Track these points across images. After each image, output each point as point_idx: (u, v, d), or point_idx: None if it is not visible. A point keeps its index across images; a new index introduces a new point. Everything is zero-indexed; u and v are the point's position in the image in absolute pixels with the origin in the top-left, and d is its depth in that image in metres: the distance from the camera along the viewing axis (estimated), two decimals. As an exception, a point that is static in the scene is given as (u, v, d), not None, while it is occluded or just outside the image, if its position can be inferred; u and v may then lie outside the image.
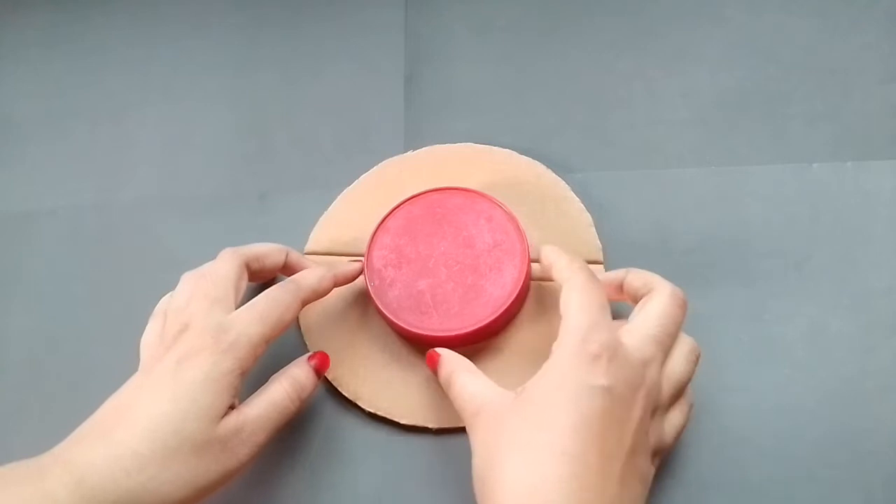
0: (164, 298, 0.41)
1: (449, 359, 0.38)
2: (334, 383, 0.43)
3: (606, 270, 0.43)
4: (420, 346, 0.42)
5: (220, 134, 0.54)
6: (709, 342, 0.42)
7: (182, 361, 0.34)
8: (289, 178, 0.51)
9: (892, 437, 0.39)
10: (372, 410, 0.42)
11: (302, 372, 0.39)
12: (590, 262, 0.43)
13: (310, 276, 0.40)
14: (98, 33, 0.59)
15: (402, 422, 0.41)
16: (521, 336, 0.42)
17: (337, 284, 0.42)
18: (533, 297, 0.43)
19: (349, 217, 0.48)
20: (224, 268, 0.39)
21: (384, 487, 0.41)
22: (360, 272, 0.43)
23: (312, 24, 0.56)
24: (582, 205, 0.45)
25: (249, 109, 0.54)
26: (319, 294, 0.40)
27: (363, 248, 0.44)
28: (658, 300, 0.35)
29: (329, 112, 0.53)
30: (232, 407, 0.35)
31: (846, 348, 0.41)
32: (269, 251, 0.42)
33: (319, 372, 0.40)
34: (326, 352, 0.41)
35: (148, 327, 0.39)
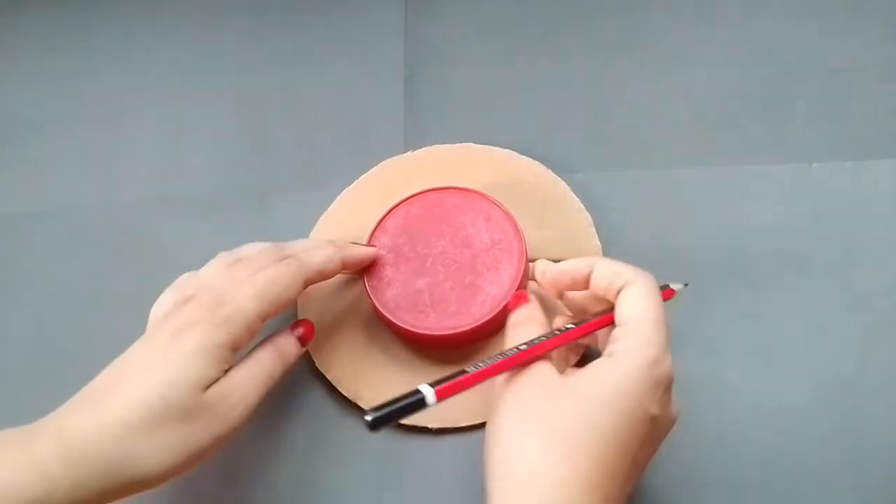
0: (184, 275, 0.41)
1: (532, 306, 0.38)
2: (334, 384, 0.43)
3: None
4: (418, 345, 0.42)
5: (220, 134, 0.54)
6: (709, 342, 0.42)
7: (178, 332, 0.35)
8: (289, 178, 0.51)
9: (891, 436, 0.38)
10: (371, 410, 0.42)
11: (286, 339, 0.39)
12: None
13: (316, 255, 0.39)
14: (98, 34, 0.59)
15: (402, 422, 0.41)
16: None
17: (345, 268, 0.41)
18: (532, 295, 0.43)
19: (349, 217, 0.48)
20: (280, 274, 0.38)
21: (384, 487, 0.41)
22: (371, 258, 0.42)
23: (312, 24, 0.56)
24: (581, 205, 0.45)
25: (249, 109, 0.54)
26: (325, 276, 0.40)
27: (362, 248, 0.44)
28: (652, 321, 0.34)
29: (329, 112, 0.53)
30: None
31: (846, 348, 0.41)
32: (325, 265, 0.40)
33: (304, 340, 0.40)
34: (325, 352, 0.41)
35: (160, 298, 0.39)
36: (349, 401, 0.42)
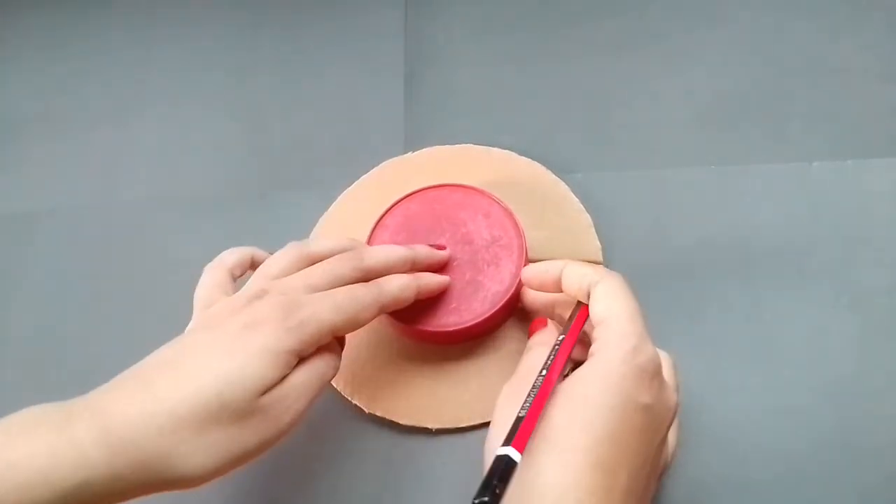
0: (223, 253, 0.39)
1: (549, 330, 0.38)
2: (334, 384, 0.43)
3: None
4: (419, 341, 0.42)
5: (219, 134, 0.54)
6: (709, 342, 0.42)
7: (247, 328, 0.33)
8: (289, 178, 0.51)
9: (891, 436, 0.38)
10: (372, 411, 0.42)
11: (333, 345, 0.37)
12: (589, 263, 0.43)
13: (394, 281, 0.38)
14: (98, 34, 0.60)
15: (402, 422, 0.41)
16: (519, 332, 0.42)
17: (419, 296, 0.39)
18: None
19: (349, 218, 0.48)
20: (361, 294, 0.36)
21: (384, 487, 0.41)
22: (445, 286, 0.41)
23: (312, 24, 0.56)
24: (581, 205, 0.45)
25: (249, 109, 0.54)
26: (400, 303, 0.38)
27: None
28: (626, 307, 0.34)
29: (329, 112, 0.53)
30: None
31: (846, 348, 0.41)
32: (401, 292, 0.38)
33: (343, 345, 0.39)
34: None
35: (205, 280, 0.38)
36: (349, 401, 0.42)
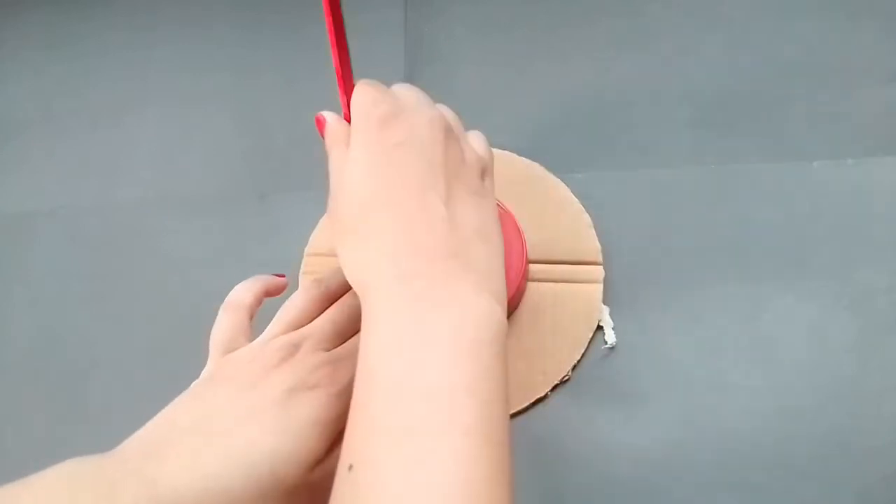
0: (238, 290, 0.38)
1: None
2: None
3: (606, 272, 0.43)
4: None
5: (220, 134, 0.54)
6: (709, 342, 0.42)
7: (293, 393, 0.31)
8: (289, 178, 0.51)
9: (891, 436, 0.38)
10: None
11: None
12: (589, 263, 0.43)
13: None
14: (98, 34, 0.59)
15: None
16: (518, 334, 0.42)
17: None
18: (530, 295, 0.43)
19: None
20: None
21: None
22: None
23: (312, 24, 0.56)
24: (581, 206, 0.45)
25: (249, 109, 0.54)
26: None
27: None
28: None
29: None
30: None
31: (846, 348, 0.41)
32: None
33: None
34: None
35: (224, 322, 0.36)
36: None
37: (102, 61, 0.58)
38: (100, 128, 0.56)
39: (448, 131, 0.34)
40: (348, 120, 0.34)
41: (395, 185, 0.31)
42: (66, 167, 0.55)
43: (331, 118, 0.36)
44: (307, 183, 0.50)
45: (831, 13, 0.49)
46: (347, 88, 0.34)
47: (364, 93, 0.33)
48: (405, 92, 0.34)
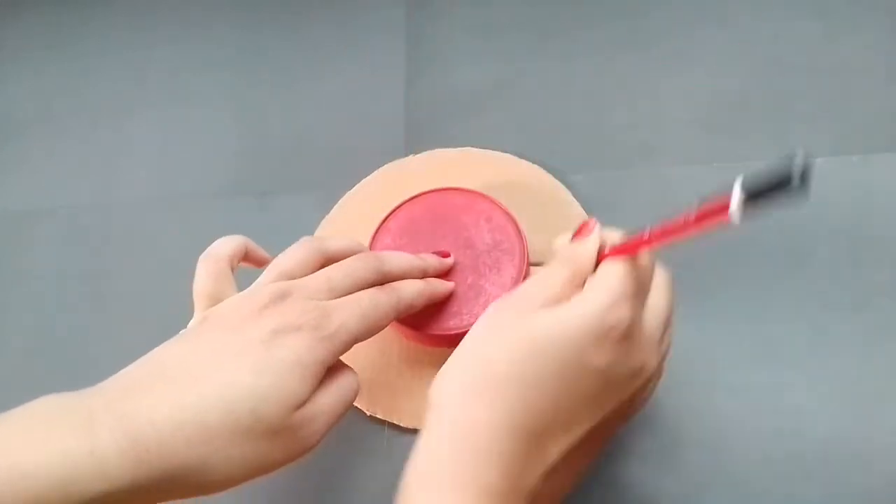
0: (216, 243, 0.38)
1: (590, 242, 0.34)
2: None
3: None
4: (420, 346, 0.42)
5: (220, 134, 0.54)
6: (709, 342, 0.42)
7: (278, 334, 0.31)
8: (289, 178, 0.51)
9: (892, 437, 0.39)
10: (373, 413, 0.42)
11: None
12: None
13: (410, 288, 0.37)
14: (98, 34, 0.59)
15: (403, 424, 0.41)
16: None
17: (428, 303, 0.39)
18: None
19: (350, 221, 0.48)
20: (382, 301, 0.35)
21: (384, 489, 0.41)
22: (450, 291, 0.41)
23: (313, 24, 0.56)
24: (581, 209, 0.45)
25: (249, 109, 0.54)
26: (412, 310, 0.37)
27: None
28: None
29: (329, 112, 0.53)
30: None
31: (846, 348, 0.41)
32: (416, 299, 0.38)
33: None
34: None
35: (203, 272, 0.36)
36: (350, 401, 0.42)
37: (102, 61, 0.58)
38: (99, 128, 0.56)
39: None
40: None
41: (573, 396, 0.29)
42: (66, 167, 0.55)
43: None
44: (307, 183, 0.50)
45: (832, 13, 0.49)
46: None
47: (614, 292, 0.29)
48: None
